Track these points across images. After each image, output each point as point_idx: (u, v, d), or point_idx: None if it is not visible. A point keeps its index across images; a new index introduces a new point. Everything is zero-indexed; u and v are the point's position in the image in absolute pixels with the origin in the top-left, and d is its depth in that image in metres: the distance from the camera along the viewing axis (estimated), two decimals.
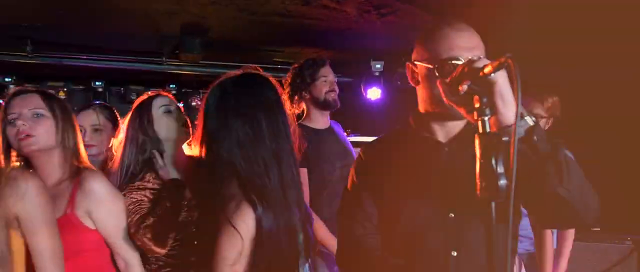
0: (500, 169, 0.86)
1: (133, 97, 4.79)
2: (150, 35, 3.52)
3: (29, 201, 1.17)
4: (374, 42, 3.60)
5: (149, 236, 1.48)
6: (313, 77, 2.29)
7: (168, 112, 1.70)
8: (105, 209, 1.47)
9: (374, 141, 1.31)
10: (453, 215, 1.12)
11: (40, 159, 1.44)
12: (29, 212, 1.17)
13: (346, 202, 1.26)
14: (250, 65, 1.37)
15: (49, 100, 1.46)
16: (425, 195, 1.13)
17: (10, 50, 3.68)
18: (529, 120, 0.93)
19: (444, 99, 1.00)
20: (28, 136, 1.39)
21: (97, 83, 4.52)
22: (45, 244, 1.21)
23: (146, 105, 1.69)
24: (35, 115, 1.42)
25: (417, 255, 1.14)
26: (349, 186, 1.27)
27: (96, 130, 1.97)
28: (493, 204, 0.94)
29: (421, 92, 1.18)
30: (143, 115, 1.67)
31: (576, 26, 2.69)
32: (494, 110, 0.90)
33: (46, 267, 1.22)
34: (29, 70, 3.90)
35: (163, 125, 1.68)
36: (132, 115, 1.70)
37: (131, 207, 1.53)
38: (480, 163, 0.89)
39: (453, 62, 1.04)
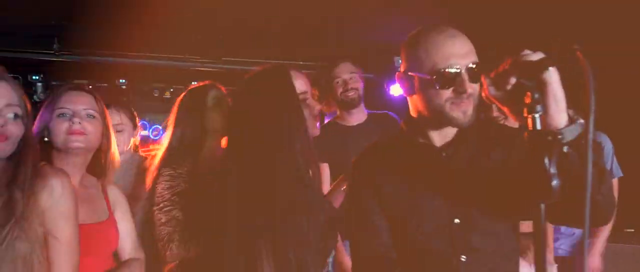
0: (553, 170, 0.82)
1: (155, 95, 4.84)
2: (173, 33, 3.53)
3: (58, 196, 1.16)
4: (398, 37, 3.55)
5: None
6: (327, 80, 2.28)
7: (219, 105, 1.72)
8: (123, 210, 1.54)
9: (367, 149, 1.28)
10: (458, 220, 1.11)
11: (79, 157, 1.45)
12: (56, 207, 1.16)
13: (355, 218, 1.22)
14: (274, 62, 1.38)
15: (99, 103, 1.50)
16: (428, 203, 1.12)
17: (38, 49, 3.75)
18: (579, 125, 0.89)
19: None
20: (81, 133, 1.41)
21: (121, 81, 4.57)
22: (66, 243, 1.19)
23: (200, 94, 1.72)
24: (88, 116, 1.45)
25: (427, 262, 1.14)
26: (351, 198, 1.24)
27: (119, 130, 1.99)
28: (542, 206, 0.89)
29: (417, 102, 1.15)
30: (195, 103, 1.69)
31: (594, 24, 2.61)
32: (545, 110, 0.86)
33: (61, 263, 1.19)
34: (56, 69, 3.96)
35: (211, 117, 1.69)
36: (183, 100, 1.72)
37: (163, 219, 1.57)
38: (530, 162, 0.85)
39: (452, 71, 1.03)
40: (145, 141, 5.04)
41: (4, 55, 3.68)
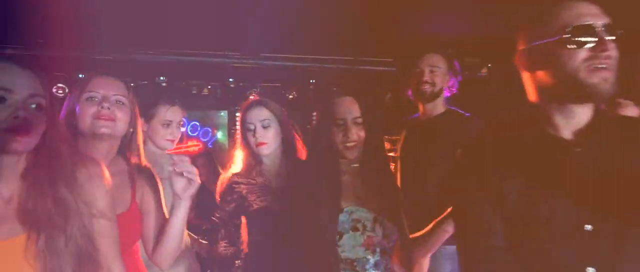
0: None
1: (194, 92, 4.91)
2: (211, 29, 3.56)
3: (100, 183, 1.15)
4: (438, 29, 3.43)
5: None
6: (410, 67, 2.19)
7: (269, 125, 1.92)
8: (155, 198, 1.49)
9: (479, 141, 1.17)
10: (589, 227, 0.97)
11: (104, 143, 1.43)
12: (101, 193, 1.14)
13: (466, 219, 1.10)
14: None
15: (129, 89, 1.48)
16: (556, 205, 0.99)
17: (85, 47, 3.86)
18: None
19: None
20: (109, 119, 1.39)
21: (160, 78, 4.66)
22: (111, 222, 1.18)
23: (245, 112, 1.96)
24: (117, 102, 1.42)
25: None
26: (461, 197, 1.12)
27: (180, 125, 2.09)
28: None
29: (543, 77, 1.01)
30: (243, 124, 1.95)
31: None
32: None
33: (109, 253, 1.18)
34: (101, 66, 4.06)
35: (262, 136, 1.92)
36: (239, 118, 1.99)
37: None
38: None
39: (587, 25, 0.92)
40: (182, 137, 5.14)
41: (51, 54, 3.81)
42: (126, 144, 1.48)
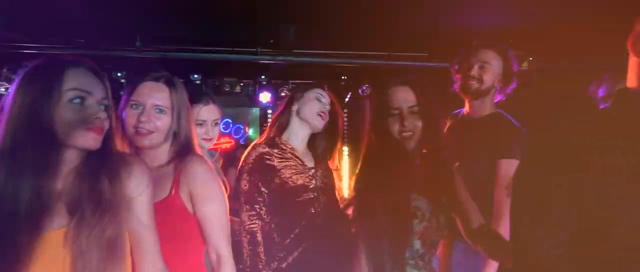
0: None
1: (227, 89, 4.96)
2: (244, 25, 3.56)
3: (139, 183, 1.17)
4: (476, 20, 3.31)
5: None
6: (463, 61, 2.03)
7: (317, 99, 2.00)
8: (207, 192, 1.44)
9: (544, 134, 1.10)
10: None
11: (146, 150, 1.46)
12: (141, 195, 1.17)
13: (528, 209, 1.03)
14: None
15: (174, 93, 1.47)
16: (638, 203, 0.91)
17: (122, 46, 3.96)
18: None
19: None
20: (147, 133, 1.43)
21: (194, 76, 4.72)
22: (152, 228, 1.20)
23: (300, 91, 2.07)
24: (157, 111, 1.44)
25: None
26: (526, 187, 1.06)
27: (216, 124, 2.07)
28: None
29: None
30: (291, 100, 2.05)
31: None
32: None
33: (152, 257, 1.20)
34: (138, 65, 4.16)
35: (290, 122, 2.02)
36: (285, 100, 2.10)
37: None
38: None
39: None
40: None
41: (89, 53, 3.92)
42: (180, 143, 1.49)
